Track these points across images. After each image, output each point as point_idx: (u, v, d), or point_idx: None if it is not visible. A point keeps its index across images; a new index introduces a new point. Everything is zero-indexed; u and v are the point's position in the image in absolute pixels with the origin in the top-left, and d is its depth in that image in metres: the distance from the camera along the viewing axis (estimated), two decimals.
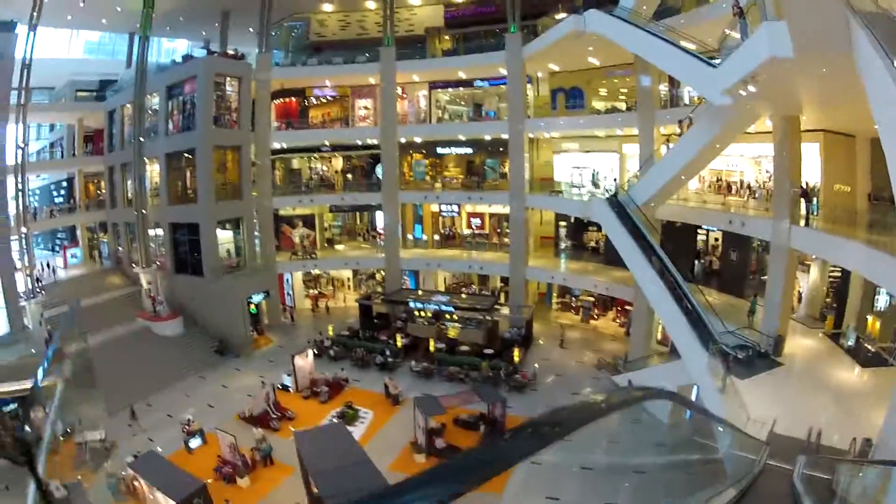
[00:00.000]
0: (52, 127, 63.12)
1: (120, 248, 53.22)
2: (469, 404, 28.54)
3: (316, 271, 51.10)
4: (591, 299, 40.85)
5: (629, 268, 27.55)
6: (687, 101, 31.96)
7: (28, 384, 30.55)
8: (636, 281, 27.86)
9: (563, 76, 40.45)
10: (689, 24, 27.16)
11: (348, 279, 52.60)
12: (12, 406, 30.69)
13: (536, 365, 34.51)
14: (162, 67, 46.37)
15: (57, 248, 62.52)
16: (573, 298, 42.72)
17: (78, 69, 59.28)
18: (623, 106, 37.63)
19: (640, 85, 33.61)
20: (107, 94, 53.98)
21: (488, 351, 35.61)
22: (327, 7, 48.73)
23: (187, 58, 44.56)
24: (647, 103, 33.33)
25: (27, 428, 30.62)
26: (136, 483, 25.84)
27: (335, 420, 30.71)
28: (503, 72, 40.06)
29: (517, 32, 39.17)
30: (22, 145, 38.26)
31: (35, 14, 37.12)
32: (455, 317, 39.35)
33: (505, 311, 39.30)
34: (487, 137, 41.91)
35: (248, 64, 44.94)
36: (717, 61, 21.02)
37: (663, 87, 33.94)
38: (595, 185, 34.30)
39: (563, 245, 43.20)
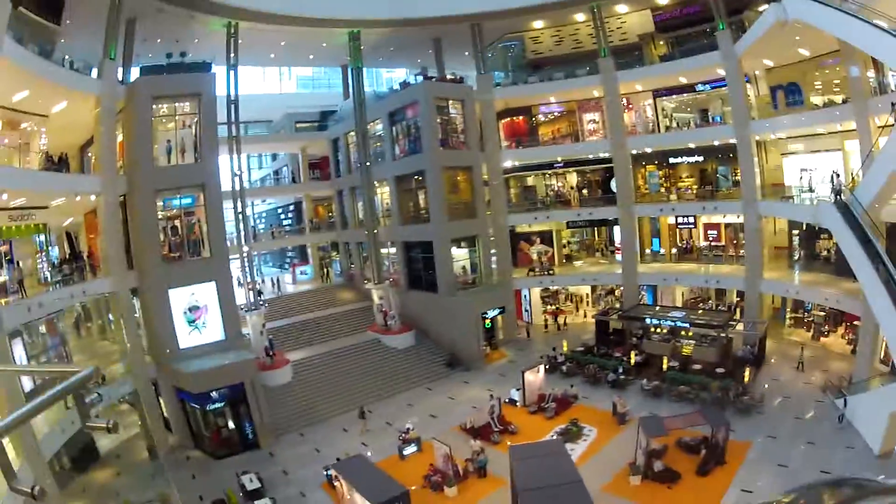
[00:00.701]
0: (274, 156, 75.76)
1: (351, 266, 61.98)
2: (694, 426, 30.15)
3: (554, 287, 56.06)
4: (823, 314, 41.48)
5: (857, 277, 28.56)
6: (894, 88, 32.48)
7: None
8: (863, 293, 28.74)
9: (778, 72, 41.78)
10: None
11: (587, 295, 57.10)
12: (218, 405, 37.69)
13: (766, 385, 36.47)
14: (380, 95, 54.37)
15: (286, 266, 73.06)
16: (805, 313, 43.31)
17: (293, 102, 71.30)
18: (839, 99, 38.09)
19: (849, 73, 34.66)
20: (328, 123, 64.03)
21: (720, 370, 37.64)
22: (537, 24, 53.28)
23: (405, 85, 51.78)
24: (859, 93, 34.14)
25: (230, 425, 38.27)
26: (336, 483, 30.10)
27: (557, 436, 33.57)
28: (722, 73, 42.13)
29: (726, 30, 41.41)
30: (238, 173, 45.75)
31: (232, 55, 44.70)
32: (690, 333, 41.84)
33: (740, 327, 41.03)
34: (716, 143, 44.08)
35: (467, 86, 50.91)
36: None
37: (871, 74, 34.29)
38: (835, 188, 34.93)
39: (796, 255, 44.07)
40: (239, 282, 47.40)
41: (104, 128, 34.92)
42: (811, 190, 39.24)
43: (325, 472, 32.74)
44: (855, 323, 36.84)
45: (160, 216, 39.12)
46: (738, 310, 44.31)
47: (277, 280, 64.65)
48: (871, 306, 27.74)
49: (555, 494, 22.99)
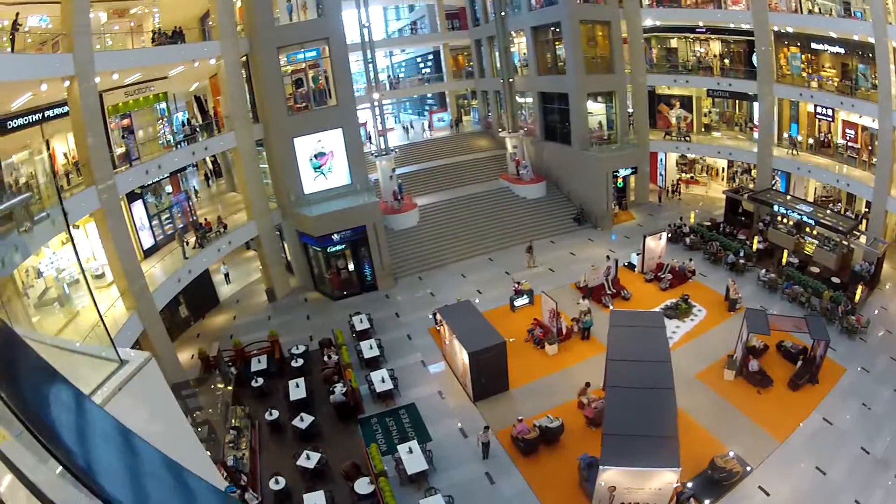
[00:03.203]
0: (411, 7, 76.03)
1: (489, 114, 63.52)
2: (796, 332, 30.88)
3: (691, 156, 56.63)
4: None
5: None
6: None
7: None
8: None
9: None
10: None
11: (723, 169, 57.39)
12: (339, 247, 41.49)
13: (876, 311, 35.84)
14: None
15: (424, 114, 75.13)
16: None
17: None
18: None
19: None
20: None
21: (835, 280, 37.59)
22: None
23: None
24: None
25: (350, 267, 42.21)
26: (440, 328, 32.63)
27: (668, 310, 35.43)
28: None
29: None
30: (367, 24, 46.94)
31: None
32: (815, 232, 41.92)
33: (863, 240, 40.30)
34: (856, 38, 41.86)
35: None
36: None
37: None
38: None
39: None
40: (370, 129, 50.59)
41: None
42: None
43: (431, 316, 35.90)
44: None
45: (287, 70, 41.39)
46: (864, 221, 43.20)
47: (422, 125, 68.04)
48: None
49: (641, 370, 24.41)
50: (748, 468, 24.31)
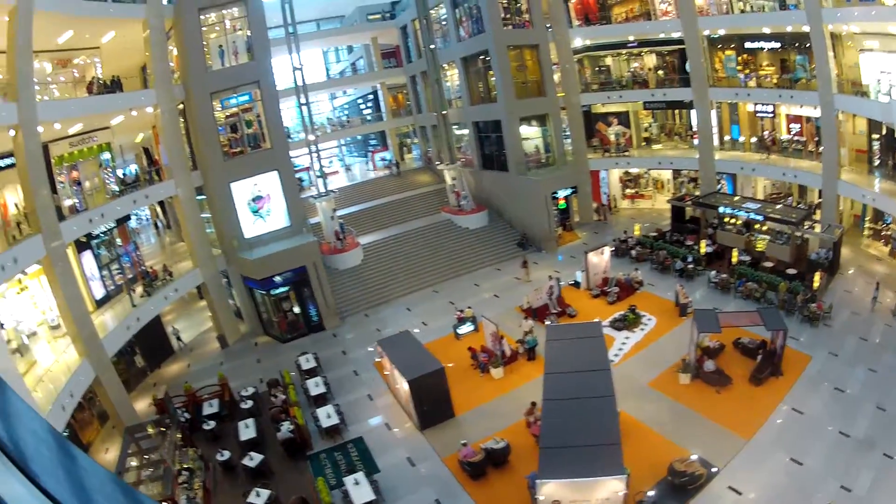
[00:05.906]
0: (350, 49, 76.39)
1: (429, 149, 62.10)
2: (750, 326, 28.61)
3: (634, 171, 54.37)
4: None
5: None
6: None
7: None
8: None
9: None
10: None
11: (668, 181, 54.85)
12: (282, 290, 39.71)
13: (840, 296, 33.61)
14: None
15: (367, 154, 74.05)
16: (885, 226, 39.00)
17: None
18: None
19: None
20: (396, 13, 64.09)
21: (791, 271, 35.27)
22: None
23: None
24: None
25: (296, 309, 40.55)
26: (382, 359, 31.34)
27: (615, 322, 33.51)
28: None
29: None
30: (299, 67, 44.87)
31: None
32: (765, 228, 39.58)
33: (818, 229, 38.01)
34: (789, 29, 40.11)
35: None
36: None
37: None
38: None
39: (876, 161, 38.97)
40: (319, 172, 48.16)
41: (154, 45, 35.30)
42: (889, 93, 34.23)
43: (372, 349, 34.60)
44: None
45: (221, 116, 40.29)
46: (817, 210, 41.00)
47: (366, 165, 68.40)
48: None
49: (579, 380, 22.78)
50: (713, 469, 21.83)
